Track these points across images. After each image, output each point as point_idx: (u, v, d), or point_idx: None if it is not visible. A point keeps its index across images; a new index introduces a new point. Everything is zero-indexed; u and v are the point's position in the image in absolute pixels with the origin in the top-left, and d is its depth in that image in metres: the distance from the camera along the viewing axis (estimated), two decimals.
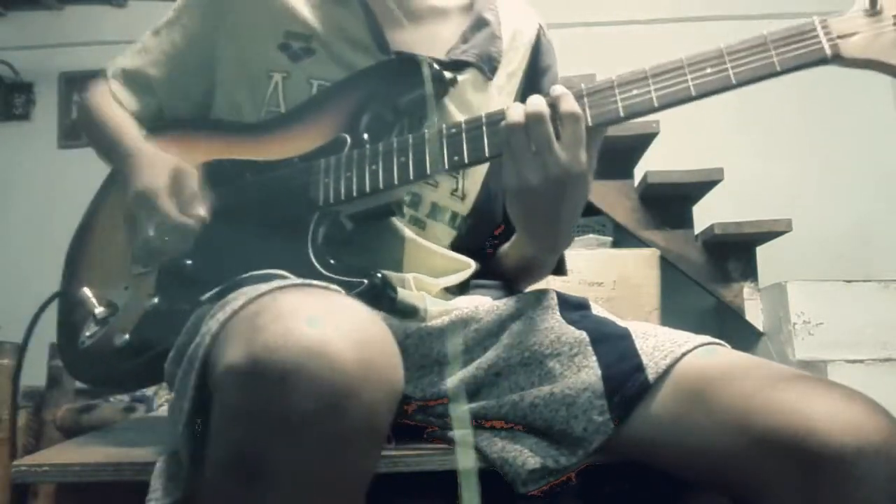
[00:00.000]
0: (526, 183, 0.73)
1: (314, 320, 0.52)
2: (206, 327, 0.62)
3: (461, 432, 0.74)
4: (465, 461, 0.59)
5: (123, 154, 0.94)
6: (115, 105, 1.00)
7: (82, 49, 3.13)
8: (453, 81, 0.88)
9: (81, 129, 1.03)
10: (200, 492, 0.55)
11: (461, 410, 0.75)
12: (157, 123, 1.02)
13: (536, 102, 0.73)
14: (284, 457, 0.50)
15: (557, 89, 0.74)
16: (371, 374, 0.51)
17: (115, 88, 1.01)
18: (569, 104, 0.73)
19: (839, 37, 0.70)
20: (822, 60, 0.70)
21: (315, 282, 0.63)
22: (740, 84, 0.72)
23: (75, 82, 3.15)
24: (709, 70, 0.72)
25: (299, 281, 0.64)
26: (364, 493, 0.56)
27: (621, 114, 0.74)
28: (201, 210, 0.86)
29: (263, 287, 0.61)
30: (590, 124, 0.74)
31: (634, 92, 0.74)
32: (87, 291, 0.92)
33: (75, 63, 3.14)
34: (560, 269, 0.99)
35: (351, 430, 0.50)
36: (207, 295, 0.77)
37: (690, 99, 0.73)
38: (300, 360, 0.49)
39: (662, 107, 0.73)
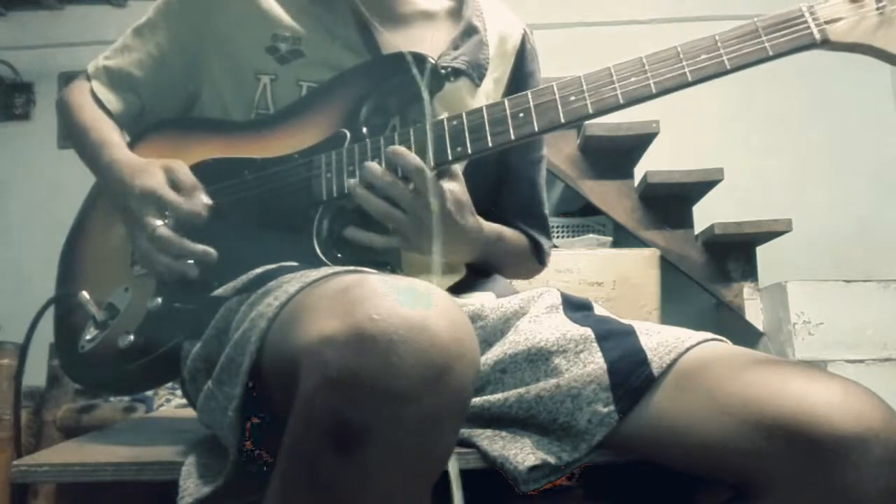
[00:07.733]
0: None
1: (409, 297, 0.53)
2: (254, 313, 0.63)
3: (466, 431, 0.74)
4: (453, 464, 0.60)
5: (107, 163, 0.92)
6: (95, 108, 0.99)
7: (82, 49, 3.12)
8: (448, 77, 0.89)
9: (63, 127, 1.03)
10: (282, 464, 0.54)
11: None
12: (146, 125, 1.01)
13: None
14: (384, 425, 0.50)
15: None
16: (463, 351, 0.52)
17: (97, 88, 1.00)
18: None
19: (826, 22, 0.74)
20: (812, 45, 0.74)
21: (368, 269, 0.65)
22: (734, 69, 0.75)
23: None
24: (703, 57, 0.76)
25: (353, 268, 0.66)
26: (436, 480, 0.55)
27: (621, 101, 0.77)
28: (204, 197, 0.87)
29: (314, 273, 0.62)
30: (590, 111, 0.78)
31: (632, 80, 0.77)
32: (85, 295, 0.91)
33: (75, 63, 3.12)
34: (540, 259, 1.05)
35: (446, 405, 0.51)
36: (223, 289, 0.77)
37: (687, 85, 0.76)
38: (404, 333, 0.50)
39: (660, 93, 0.76)
